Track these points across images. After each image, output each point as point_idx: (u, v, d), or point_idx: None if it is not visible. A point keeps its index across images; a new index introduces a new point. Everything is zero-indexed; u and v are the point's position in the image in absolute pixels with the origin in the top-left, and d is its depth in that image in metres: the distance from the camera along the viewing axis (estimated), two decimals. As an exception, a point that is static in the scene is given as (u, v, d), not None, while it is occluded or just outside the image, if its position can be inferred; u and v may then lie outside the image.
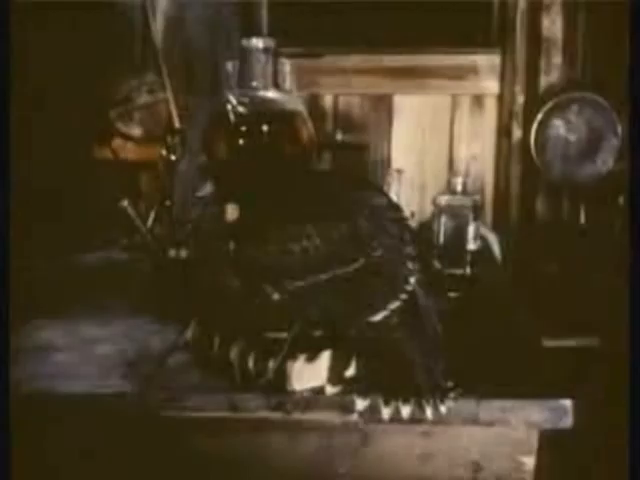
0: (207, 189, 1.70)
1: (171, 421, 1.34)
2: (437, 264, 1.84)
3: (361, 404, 1.25)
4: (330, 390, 1.30)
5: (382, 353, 1.29)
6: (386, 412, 1.24)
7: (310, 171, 1.94)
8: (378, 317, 1.35)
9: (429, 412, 1.24)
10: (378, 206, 1.58)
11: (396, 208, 1.60)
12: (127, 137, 2.78)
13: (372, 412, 1.26)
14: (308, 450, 1.35)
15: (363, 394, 1.26)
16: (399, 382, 1.26)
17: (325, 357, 1.30)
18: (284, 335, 1.31)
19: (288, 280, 1.37)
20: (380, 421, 1.28)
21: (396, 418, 1.24)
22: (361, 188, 1.64)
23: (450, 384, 1.26)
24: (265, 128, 1.87)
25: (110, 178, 2.66)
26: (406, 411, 1.23)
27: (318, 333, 1.34)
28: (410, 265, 1.45)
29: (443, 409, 1.24)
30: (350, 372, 1.28)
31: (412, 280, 1.41)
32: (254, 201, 1.61)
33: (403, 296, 1.38)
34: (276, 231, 1.47)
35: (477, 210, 1.88)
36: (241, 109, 1.86)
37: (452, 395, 1.25)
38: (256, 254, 1.44)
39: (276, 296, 1.36)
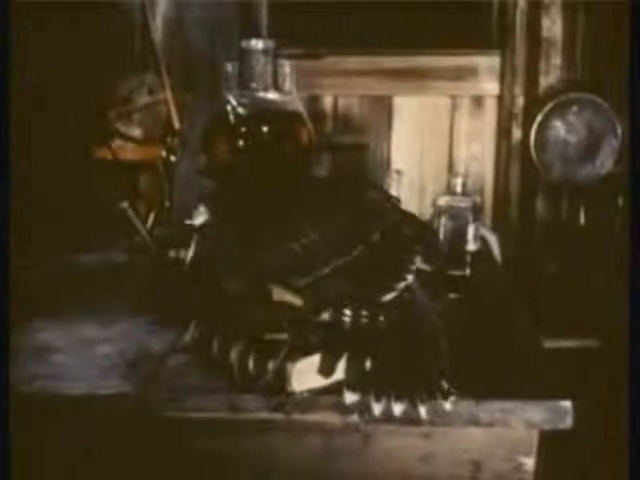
0: (201, 217, 1.67)
1: (171, 422, 1.34)
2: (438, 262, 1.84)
3: (350, 398, 1.25)
4: (320, 383, 1.29)
5: (377, 350, 1.29)
6: (377, 408, 1.23)
7: (307, 177, 1.95)
8: (388, 297, 1.36)
9: (423, 411, 1.23)
10: (374, 199, 1.60)
11: (393, 201, 1.62)
12: (127, 138, 2.78)
13: (362, 407, 1.26)
14: (308, 451, 1.35)
15: (352, 388, 1.25)
16: (392, 378, 1.26)
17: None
18: (284, 336, 1.32)
19: (295, 279, 1.37)
20: (380, 421, 1.28)
21: (388, 416, 1.23)
22: (357, 186, 1.65)
23: (445, 386, 1.26)
24: (265, 129, 1.87)
25: (109, 179, 2.66)
26: (398, 409, 1.23)
27: (315, 336, 1.34)
28: (412, 245, 1.46)
29: (438, 409, 1.24)
30: (341, 366, 1.28)
31: (416, 259, 1.42)
32: (253, 204, 1.61)
33: (409, 276, 1.39)
34: (274, 233, 1.48)
35: (477, 211, 1.88)
36: (241, 110, 1.86)
37: (448, 396, 1.25)
38: (259, 258, 1.44)
39: (288, 296, 1.37)
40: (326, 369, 1.27)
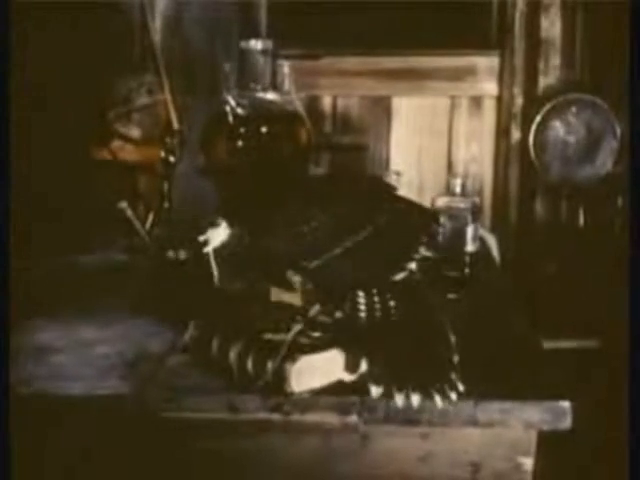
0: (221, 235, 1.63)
1: (170, 422, 1.34)
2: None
3: (375, 391, 1.26)
4: (347, 378, 1.31)
5: (394, 345, 1.31)
6: (399, 399, 1.24)
7: (307, 176, 1.96)
8: (400, 276, 1.40)
9: (438, 400, 1.24)
10: (377, 188, 1.62)
11: (394, 190, 1.65)
12: (126, 138, 2.78)
13: (386, 398, 1.26)
14: (307, 451, 1.35)
15: (377, 381, 1.26)
16: (410, 371, 1.27)
17: (324, 358, 1.30)
18: (283, 336, 1.32)
19: (305, 262, 1.39)
20: (379, 422, 1.28)
21: (408, 406, 1.25)
22: (359, 178, 1.68)
23: (454, 378, 1.27)
24: (264, 129, 1.87)
25: (109, 179, 2.66)
26: (416, 399, 1.24)
27: (317, 334, 1.34)
28: (419, 228, 1.48)
29: (452, 397, 1.25)
30: (364, 362, 1.29)
31: (425, 239, 1.45)
32: (256, 199, 1.62)
33: (418, 256, 1.42)
34: (282, 218, 1.49)
35: (476, 212, 1.88)
36: (240, 110, 1.87)
37: (456, 389, 1.26)
38: (268, 244, 1.45)
39: (297, 278, 1.38)
40: (352, 366, 1.30)
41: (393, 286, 1.40)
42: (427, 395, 1.24)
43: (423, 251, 1.47)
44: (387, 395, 1.25)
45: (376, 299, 1.37)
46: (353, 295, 1.38)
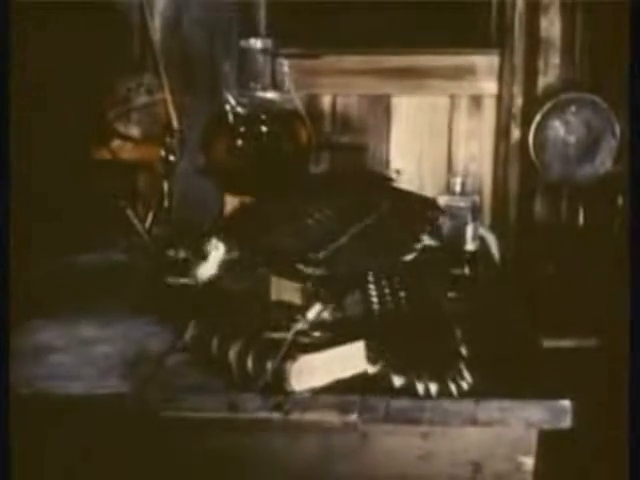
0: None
1: (170, 421, 1.34)
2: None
3: (398, 381, 1.28)
4: (371, 370, 1.32)
5: (409, 337, 1.35)
6: (420, 388, 1.27)
7: (308, 174, 1.96)
8: (409, 257, 1.48)
9: (454, 389, 1.27)
10: (377, 179, 1.64)
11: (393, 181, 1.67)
12: (126, 138, 2.78)
13: (408, 388, 1.28)
14: (307, 450, 1.35)
15: (399, 371, 1.28)
16: (425, 360, 1.30)
17: (324, 357, 1.30)
18: (283, 335, 1.32)
19: (313, 253, 1.40)
20: (379, 421, 1.29)
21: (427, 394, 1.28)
22: (359, 172, 1.70)
23: (463, 368, 1.29)
24: (264, 128, 1.88)
25: (109, 179, 2.66)
26: (434, 388, 1.27)
27: (317, 333, 1.35)
28: (421, 213, 1.50)
29: (464, 387, 1.28)
30: (384, 353, 1.31)
31: (427, 224, 1.48)
32: (259, 196, 1.63)
33: (425, 237, 1.44)
34: (287, 213, 1.50)
35: (476, 211, 1.88)
36: (240, 109, 1.87)
37: (468, 377, 1.29)
38: (276, 239, 1.46)
39: (307, 270, 1.39)
40: (372, 359, 1.32)
41: (401, 274, 1.42)
42: (443, 384, 1.26)
43: (426, 236, 1.49)
44: (409, 384, 1.26)
45: (387, 290, 1.39)
46: (364, 286, 1.39)
